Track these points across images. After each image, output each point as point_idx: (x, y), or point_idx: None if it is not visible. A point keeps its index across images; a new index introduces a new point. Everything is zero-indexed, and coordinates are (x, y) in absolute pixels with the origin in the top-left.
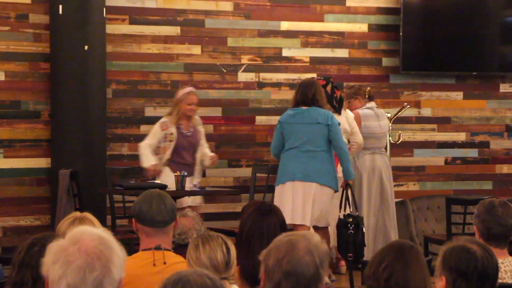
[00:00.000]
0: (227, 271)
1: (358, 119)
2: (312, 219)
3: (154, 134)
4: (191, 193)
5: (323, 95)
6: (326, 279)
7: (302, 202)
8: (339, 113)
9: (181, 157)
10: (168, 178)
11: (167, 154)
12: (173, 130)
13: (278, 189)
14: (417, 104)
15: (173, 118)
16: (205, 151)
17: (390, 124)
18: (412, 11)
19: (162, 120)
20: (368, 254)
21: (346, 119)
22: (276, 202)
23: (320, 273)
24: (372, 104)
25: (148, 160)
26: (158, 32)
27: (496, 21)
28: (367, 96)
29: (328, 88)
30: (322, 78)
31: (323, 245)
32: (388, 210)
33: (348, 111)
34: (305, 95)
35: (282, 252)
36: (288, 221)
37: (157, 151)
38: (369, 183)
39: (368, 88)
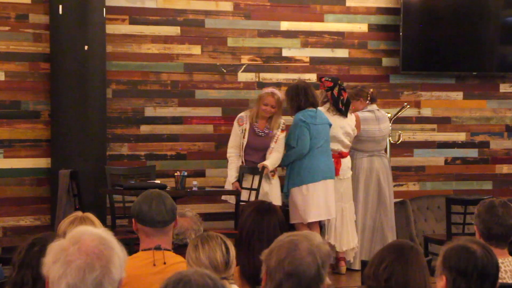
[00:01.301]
0: (227, 271)
1: (357, 122)
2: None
3: (234, 133)
4: (190, 193)
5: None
6: (327, 280)
7: (333, 198)
8: (345, 116)
9: (251, 156)
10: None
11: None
12: (247, 126)
13: (311, 186)
14: (417, 104)
15: (251, 114)
16: (270, 154)
17: (390, 125)
18: (412, 11)
19: (240, 114)
20: (365, 254)
21: (350, 122)
22: (307, 199)
23: (321, 274)
24: (373, 106)
25: (231, 175)
26: (158, 32)
27: (496, 21)
28: (369, 98)
29: (335, 90)
30: (329, 79)
31: (324, 246)
32: (386, 211)
33: (353, 114)
34: (315, 97)
35: (284, 253)
36: (324, 216)
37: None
38: (366, 185)
39: (371, 90)
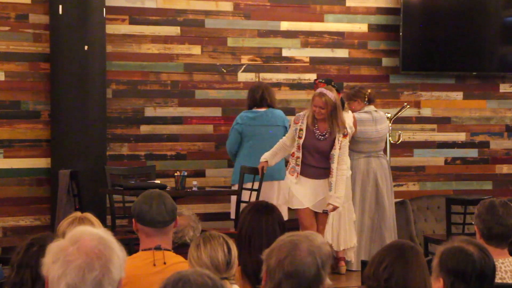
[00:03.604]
0: (228, 271)
1: (354, 123)
2: None
3: (289, 131)
4: (190, 193)
5: (272, 95)
6: (328, 281)
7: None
8: None
9: (307, 159)
10: (293, 185)
11: (295, 155)
12: (303, 126)
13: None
14: (417, 104)
15: (308, 115)
16: (337, 171)
17: (390, 125)
18: (412, 11)
19: (298, 113)
20: (364, 254)
21: (348, 120)
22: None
23: (321, 275)
24: (371, 107)
25: (266, 154)
26: (158, 32)
27: (496, 21)
28: (366, 99)
29: None
30: (323, 80)
31: (325, 247)
32: (384, 212)
33: (350, 112)
34: (265, 98)
35: (284, 252)
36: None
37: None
38: (363, 185)
39: (369, 90)
